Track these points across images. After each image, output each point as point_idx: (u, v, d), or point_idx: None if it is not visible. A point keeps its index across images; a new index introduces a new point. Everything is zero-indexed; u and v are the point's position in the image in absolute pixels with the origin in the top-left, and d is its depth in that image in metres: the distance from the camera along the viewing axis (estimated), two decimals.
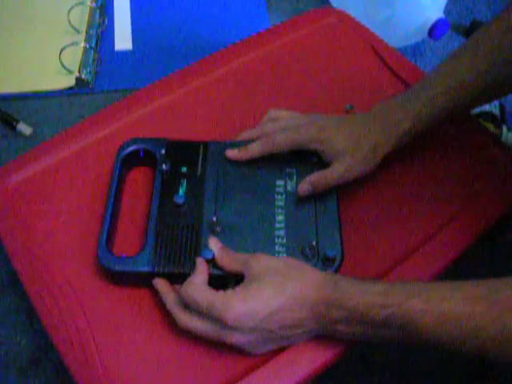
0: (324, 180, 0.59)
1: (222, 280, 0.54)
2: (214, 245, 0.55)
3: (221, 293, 0.50)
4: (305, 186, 0.59)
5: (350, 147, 0.59)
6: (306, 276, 0.50)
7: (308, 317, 0.49)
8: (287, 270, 0.51)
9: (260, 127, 0.65)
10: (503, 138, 0.82)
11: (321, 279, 0.50)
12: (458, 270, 0.60)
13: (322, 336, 0.51)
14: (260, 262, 0.51)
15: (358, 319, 0.48)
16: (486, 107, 0.83)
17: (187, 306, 0.51)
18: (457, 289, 0.46)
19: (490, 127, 0.82)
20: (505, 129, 0.82)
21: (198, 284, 0.51)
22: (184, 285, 0.52)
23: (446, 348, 0.46)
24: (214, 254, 0.54)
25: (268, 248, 0.56)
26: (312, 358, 0.52)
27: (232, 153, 0.62)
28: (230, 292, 0.50)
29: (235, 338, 0.50)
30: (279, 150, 0.61)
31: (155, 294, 0.55)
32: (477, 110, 0.84)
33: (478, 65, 0.59)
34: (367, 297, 0.48)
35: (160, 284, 0.54)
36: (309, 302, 0.49)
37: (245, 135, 0.65)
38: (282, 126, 0.63)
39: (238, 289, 0.50)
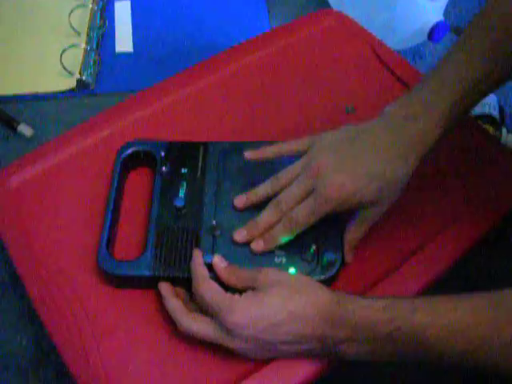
0: (361, 235, 0.56)
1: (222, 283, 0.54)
2: (218, 263, 0.54)
3: (228, 295, 0.50)
4: (349, 257, 0.57)
5: (379, 190, 0.53)
6: (312, 294, 0.49)
7: (310, 335, 0.48)
8: (295, 285, 0.50)
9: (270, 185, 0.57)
10: (503, 141, 0.82)
11: (326, 298, 0.49)
12: (457, 274, 0.60)
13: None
14: (268, 276, 0.51)
15: (363, 336, 0.47)
16: (486, 110, 0.84)
17: (194, 301, 0.53)
18: (462, 300, 0.46)
19: (490, 130, 0.82)
20: (504, 131, 0.82)
21: (207, 280, 0.52)
22: (195, 280, 0.52)
23: (452, 361, 0.46)
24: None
25: (267, 251, 0.56)
26: (306, 365, 0.52)
27: (256, 245, 0.56)
28: (236, 296, 0.50)
29: (235, 344, 0.50)
30: (302, 228, 0.55)
31: (157, 296, 0.55)
32: (476, 113, 0.84)
33: (498, 55, 0.54)
34: (372, 312, 0.47)
35: (164, 288, 0.55)
36: (312, 320, 0.48)
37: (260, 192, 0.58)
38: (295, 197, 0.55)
39: (245, 295, 0.50)
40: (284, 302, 0.49)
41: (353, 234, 0.56)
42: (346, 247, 0.57)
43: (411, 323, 0.45)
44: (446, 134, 0.55)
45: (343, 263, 0.56)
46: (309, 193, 0.54)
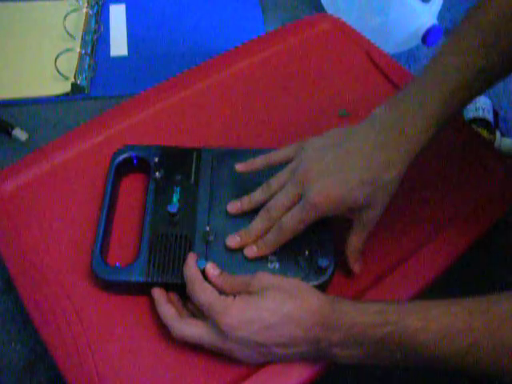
0: (363, 242, 0.56)
1: None
2: (211, 272, 0.54)
3: (222, 297, 0.51)
4: (357, 266, 0.57)
5: (369, 194, 0.53)
6: (306, 297, 0.49)
7: (303, 338, 0.48)
8: (289, 288, 0.50)
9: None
10: (496, 145, 0.82)
11: (320, 302, 0.49)
12: (451, 278, 0.60)
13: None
14: (262, 280, 0.51)
15: (356, 340, 0.47)
16: (480, 113, 0.84)
17: (187, 307, 0.53)
18: (454, 304, 0.46)
19: (484, 133, 0.82)
20: (498, 135, 0.83)
21: (201, 282, 0.52)
22: (189, 281, 0.53)
23: (444, 365, 0.46)
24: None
25: (261, 257, 0.56)
26: (301, 369, 0.52)
27: (251, 251, 0.56)
28: (230, 299, 0.50)
29: (228, 346, 0.50)
30: (292, 235, 0.55)
31: (151, 301, 0.55)
32: (470, 116, 0.84)
33: (491, 53, 0.52)
34: (365, 316, 0.47)
35: (157, 294, 0.55)
36: (305, 323, 0.48)
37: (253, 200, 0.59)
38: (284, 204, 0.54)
39: (239, 297, 0.50)
40: (278, 305, 0.49)
41: (354, 242, 0.56)
42: (351, 258, 0.56)
43: (404, 327, 0.46)
44: (436, 133, 0.54)
45: (336, 269, 0.56)
46: (297, 199, 0.54)
